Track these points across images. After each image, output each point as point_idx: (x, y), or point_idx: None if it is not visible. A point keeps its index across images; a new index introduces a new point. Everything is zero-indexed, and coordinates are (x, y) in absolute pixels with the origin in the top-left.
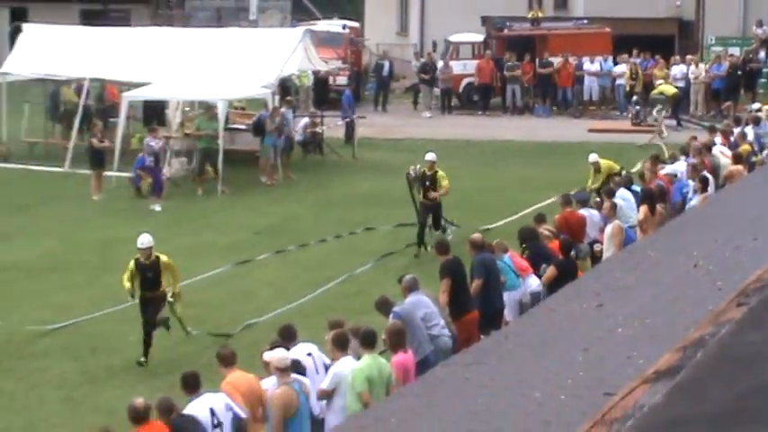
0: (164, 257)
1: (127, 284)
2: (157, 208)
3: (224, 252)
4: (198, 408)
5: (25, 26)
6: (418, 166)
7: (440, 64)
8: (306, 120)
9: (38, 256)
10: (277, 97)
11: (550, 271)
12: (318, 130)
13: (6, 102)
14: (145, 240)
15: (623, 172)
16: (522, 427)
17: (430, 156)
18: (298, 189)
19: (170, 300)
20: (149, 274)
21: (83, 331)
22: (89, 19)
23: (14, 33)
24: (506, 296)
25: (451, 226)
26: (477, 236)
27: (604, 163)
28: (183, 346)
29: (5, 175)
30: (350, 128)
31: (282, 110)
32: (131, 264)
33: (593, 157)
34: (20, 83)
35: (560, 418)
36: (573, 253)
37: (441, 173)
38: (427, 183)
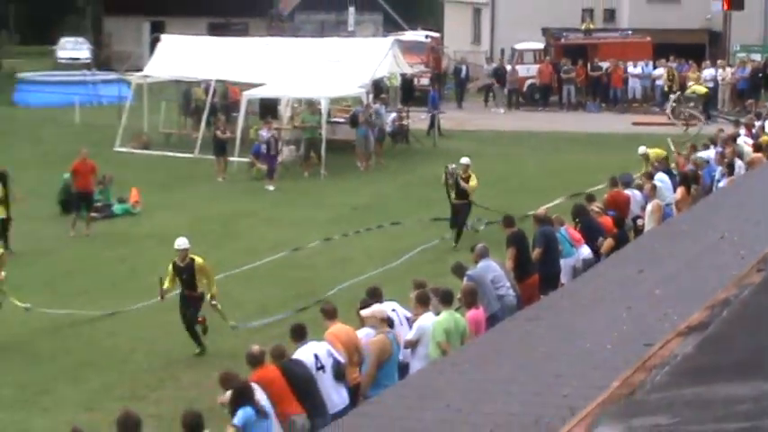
0: (198, 260)
1: (165, 285)
2: (271, 188)
3: (326, 225)
4: (304, 353)
5: (163, 36)
6: (454, 166)
7: (509, 68)
8: (394, 114)
9: (173, 227)
10: (371, 95)
11: (608, 242)
12: (405, 123)
13: (147, 99)
14: (181, 243)
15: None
16: (574, 371)
17: (465, 160)
18: (387, 173)
19: (212, 303)
20: (185, 276)
21: (221, 292)
22: (215, 30)
23: (154, 43)
24: (562, 262)
25: (479, 223)
26: (541, 211)
27: (652, 152)
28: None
29: (147, 160)
30: (433, 121)
31: (375, 106)
32: (170, 266)
33: (642, 150)
34: (158, 84)
35: (607, 364)
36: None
37: (474, 177)
38: (460, 185)
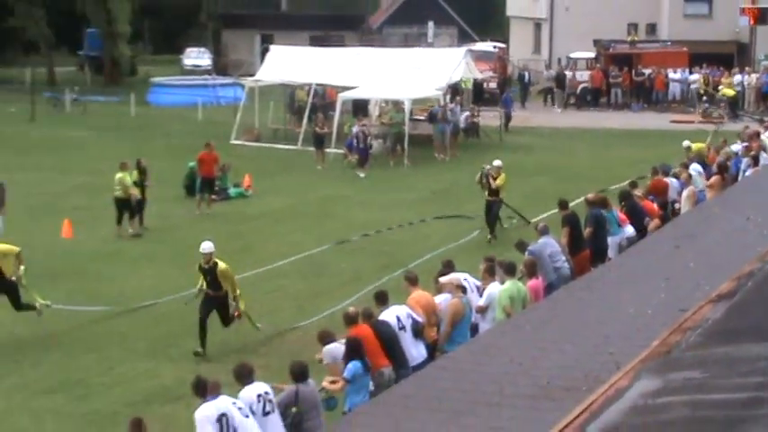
0: (221, 265)
1: (199, 284)
2: (362, 175)
3: (409, 205)
4: (388, 315)
5: (272, 47)
6: (488, 167)
7: (569, 74)
8: (467, 112)
9: (280, 208)
10: (448, 96)
11: (655, 223)
12: (476, 120)
13: (258, 100)
14: (205, 246)
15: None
16: (619, 332)
17: (497, 162)
18: (461, 162)
19: (234, 305)
20: (209, 278)
21: (312, 259)
22: (315, 42)
23: (264, 52)
24: (609, 240)
25: (514, 219)
26: (591, 195)
27: (695, 146)
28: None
29: (257, 151)
30: (506, 119)
31: (451, 105)
32: (198, 266)
33: (685, 143)
34: (267, 87)
35: (648, 327)
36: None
37: (503, 176)
38: (492, 186)
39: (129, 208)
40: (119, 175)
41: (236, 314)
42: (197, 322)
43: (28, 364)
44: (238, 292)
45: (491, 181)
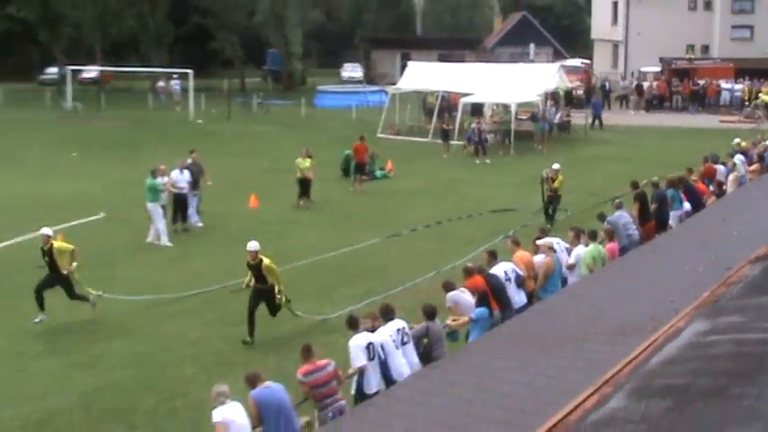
0: (266, 260)
1: (246, 279)
2: (477, 162)
3: (514, 186)
4: (497, 269)
5: (409, 63)
6: (548, 169)
7: (645, 84)
8: (561, 113)
9: (414, 186)
10: (548, 101)
11: (712, 200)
12: (568, 119)
13: (398, 103)
14: (252, 246)
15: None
16: (678, 285)
17: (556, 166)
18: (556, 153)
19: (278, 297)
20: (255, 273)
21: (439, 226)
22: (442, 58)
23: (403, 67)
24: (671, 213)
25: (565, 213)
26: (655, 179)
27: (744, 142)
28: (489, 237)
29: (398, 142)
30: (596, 120)
31: (548, 107)
32: (246, 263)
33: (736, 140)
34: (405, 93)
35: (700, 281)
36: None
37: (560, 177)
38: (553, 184)
39: (304, 186)
40: (298, 160)
41: (280, 299)
42: (354, 272)
43: (221, 303)
44: (282, 285)
45: (550, 182)
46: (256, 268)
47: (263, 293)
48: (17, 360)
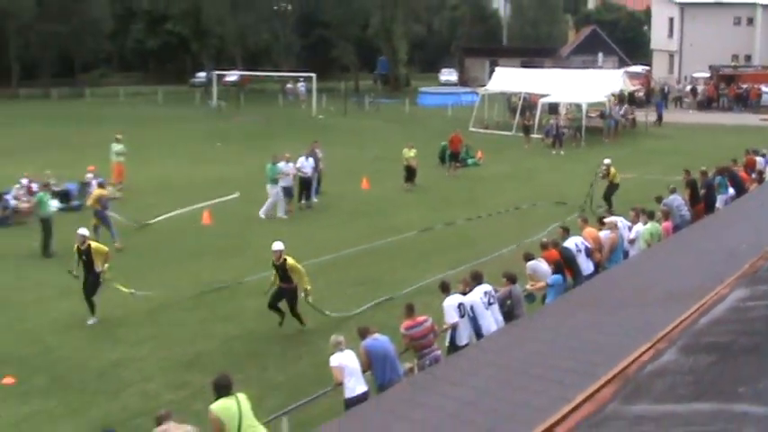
0: (290, 260)
1: (272, 278)
2: (553, 152)
3: (584, 173)
4: (569, 242)
5: (497, 68)
6: (602, 167)
7: (700, 88)
8: (624, 111)
9: (500, 173)
10: (612, 101)
11: (754, 185)
12: (632, 117)
13: (487, 102)
14: (275, 246)
15: None
16: (723, 258)
17: (606, 161)
18: (621, 145)
19: (306, 299)
20: (280, 272)
21: (520, 207)
22: (524, 65)
23: (491, 72)
24: (719, 197)
25: (609, 207)
26: (704, 168)
27: None
28: (559, 217)
29: (486, 135)
30: (659, 117)
31: (614, 106)
32: (271, 263)
33: None
34: (493, 94)
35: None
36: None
37: (613, 170)
38: (608, 177)
39: (412, 173)
40: (404, 150)
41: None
42: (445, 246)
43: (339, 269)
44: (308, 286)
45: (606, 176)
46: (281, 268)
47: (285, 292)
48: (170, 312)
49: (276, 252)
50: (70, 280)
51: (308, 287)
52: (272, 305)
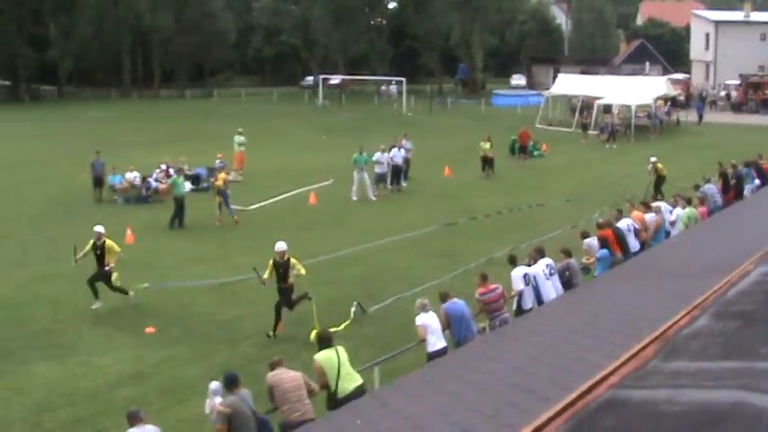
0: (293, 259)
1: (266, 275)
2: (607, 146)
3: (634, 164)
4: (621, 223)
5: (559, 75)
6: (650, 164)
7: (734, 93)
8: (666, 111)
9: (561, 164)
10: (659, 102)
11: None
12: (675, 117)
13: (551, 103)
14: (279, 246)
15: None
16: (750, 238)
17: (653, 159)
18: (664, 141)
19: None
20: (281, 270)
21: (578, 193)
22: (583, 72)
23: (554, 77)
24: (747, 186)
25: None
26: (734, 161)
27: None
28: (605, 203)
29: (550, 131)
30: (700, 117)
31: (659, 107)
32: (270, 261)
33: None
34: (556, 96)
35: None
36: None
37: (659, 165)
38: (656, 172)
39: (487, 163)
40: (481, 143)
41: (303, 297)
42: (513, 225)
43: (422, 243)
44: (303, 271)
45: (655, 171)
46: (283, 266)
47: (286, 290)
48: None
49: (280, 252)
50: (203, 248)
51: (303, 271)
52: (281, 307)
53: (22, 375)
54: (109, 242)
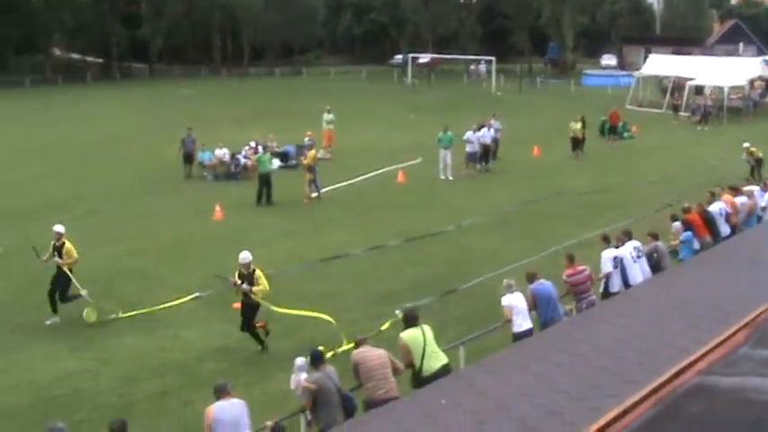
0: (258, 271)
1: (235, 278)
2: (699, 128)
3: (725, 146)
4: (713, 207)
5: (650, 55)
6: (745, 150)
7: None
8: (761, 90)
9: (652, 144)
10: (755, 83)
11: None
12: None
13: (642, 84)
14: (243, 257)
15: None
16: None
17: (746, 144)
18: (758, 124)
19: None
20: (245, 282)
21: (664, 173)
22: (674, 52)
23: (645, 58)
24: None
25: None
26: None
27: None
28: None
29: (641, 112)
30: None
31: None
32: (236, 273)
33: None
34: (647, 77)
35: None
36: None
37: (753, 149)
38: (753, 155)
39: (576, 143)
40: (571, 123)
41: (259, 324)
42: (601, 206)
43: (452, 239)
44: (261, 288)
45: (750, 155)
46: (248, 278)
47: (249, 307)
48: (370, 255)
49: (245, 263)
50: (291, 225)
51: (261, 288)
52: (248, 326)
53: (111, 347)
54: (68, 245)
